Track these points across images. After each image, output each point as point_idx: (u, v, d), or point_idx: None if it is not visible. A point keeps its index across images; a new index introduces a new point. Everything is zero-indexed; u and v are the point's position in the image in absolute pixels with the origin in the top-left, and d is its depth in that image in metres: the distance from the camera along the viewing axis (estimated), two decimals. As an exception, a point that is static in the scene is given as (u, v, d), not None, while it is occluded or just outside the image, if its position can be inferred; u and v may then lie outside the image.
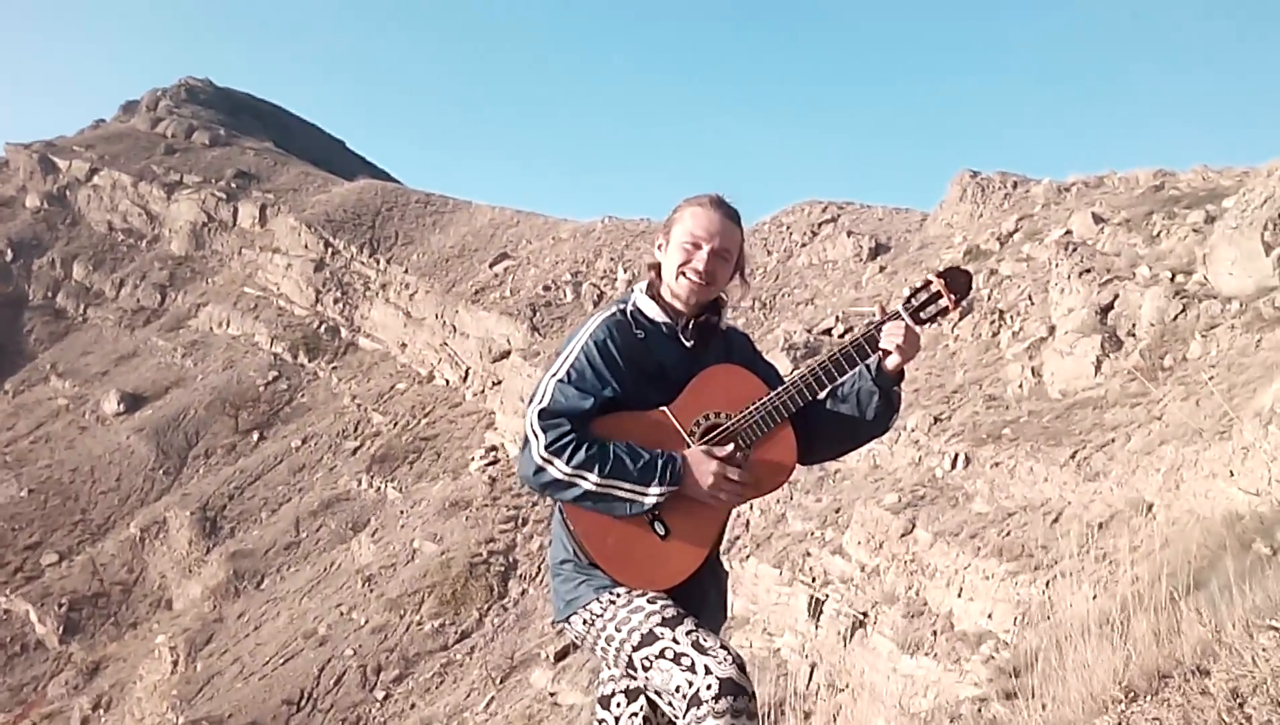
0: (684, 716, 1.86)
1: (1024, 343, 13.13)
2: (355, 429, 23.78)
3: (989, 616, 8.91)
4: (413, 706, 14.79)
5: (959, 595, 9.45)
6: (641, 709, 2.11)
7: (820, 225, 21.57)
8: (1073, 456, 10.00)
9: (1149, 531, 7.34)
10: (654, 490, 1.98)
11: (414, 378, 25.12)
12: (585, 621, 2.05)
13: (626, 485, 1.98)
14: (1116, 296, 11.69)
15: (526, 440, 2.03)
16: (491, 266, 26.14)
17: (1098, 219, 13.89)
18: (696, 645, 1.91)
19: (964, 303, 2.24)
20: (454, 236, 28.54)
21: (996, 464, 10.67)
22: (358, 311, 27.89)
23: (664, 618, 1.96)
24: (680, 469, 2.01)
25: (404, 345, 26.24)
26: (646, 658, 1.93)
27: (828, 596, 10.50)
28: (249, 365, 27.08)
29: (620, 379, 2.07)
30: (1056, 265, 13.34)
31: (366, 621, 16.75)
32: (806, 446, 2.20)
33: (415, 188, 33.89)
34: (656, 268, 2.21)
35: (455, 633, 15.78)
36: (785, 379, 2.18)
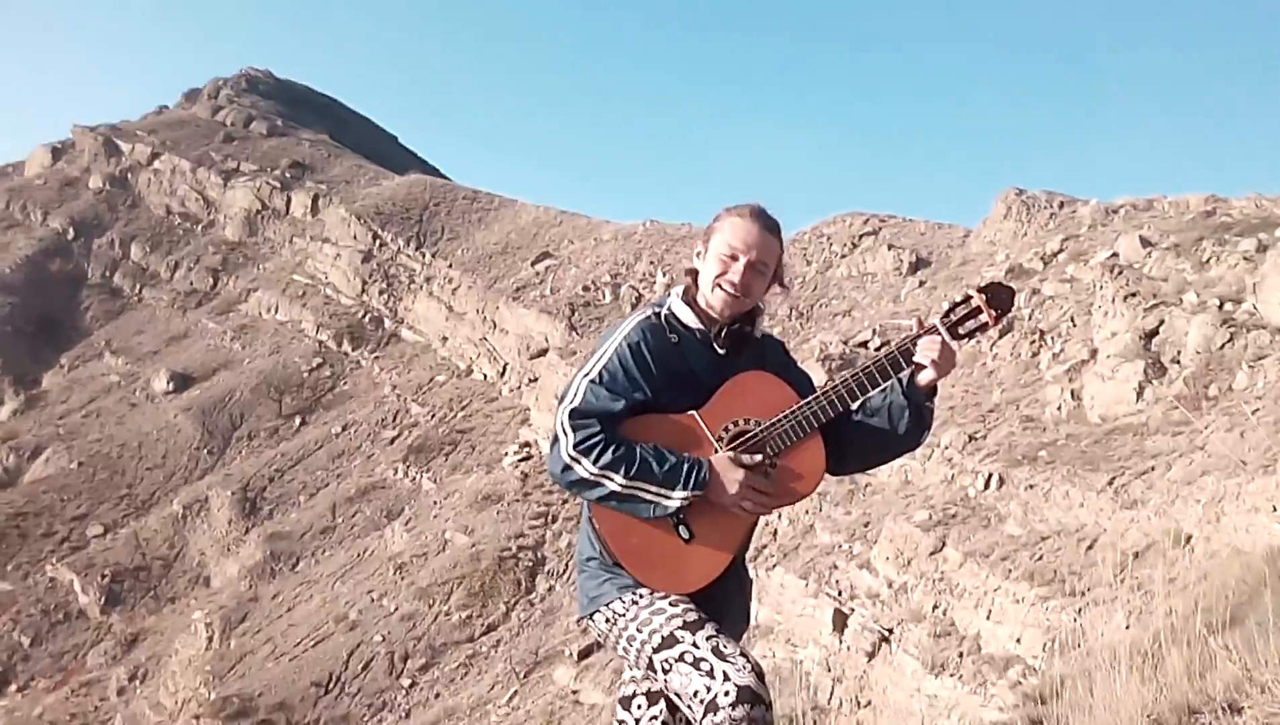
0: (700, 721, 1.86)
1: (1064, 365, 12.94)
2: (394, 419, 24.19)
3: (1017, 641, 8.81)
4: (437, 696, 15.01)
5: (987, 617, 9.35)
6: (661, 712, 2.12)
7: (861, 237, 21.45)
8: (1110, 483, 9.84)
9: (1186, 563, 7.22)
10: (678, 494, 1.99)
11: (453, 371, 25.47)
12: (608, 620, 2.07)
13: (652, 488, 1.99)
14: (1162, 322, 11.48)
15: (556, 438, 2.05)
16: (533, 265, 26.42)
17: (1145, 242, 13.63)
18: (716, 651, 1.91)
19: (1005, 320, 2.21)
20: (498, 234, 28.88)
21: (1031, 486, 10.54)
22: (401, 303, 28.37)
23: (685, 621, 1.97)
24: (706, 475, 2.01)
25: (445, 338, 26.63)
26: (666, 660, 1.94)
27: (853, 611, 10.45)
28: (294, 351, 27.67)
29: (651, 382, 2.09)
30: (1101, 287, 13.12)
31: (396, 609, 17.03)
32: (836, 458, 2.19)
33: (463, 184, 34.39)
34: (694, 275, 2.22)
35: (482, 625, 15.98)
36: (818, 389, 2.18)
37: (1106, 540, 9.13)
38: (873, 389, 2.15)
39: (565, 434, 2.02)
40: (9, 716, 18.88)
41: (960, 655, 8.98)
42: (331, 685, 16.06)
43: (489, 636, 15.77)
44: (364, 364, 26.90)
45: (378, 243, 29.96)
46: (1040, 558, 9.37)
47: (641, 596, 2.04)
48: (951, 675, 8.79)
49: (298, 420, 25.43)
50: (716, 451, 2.08)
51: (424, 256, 28.87)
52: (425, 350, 26.75)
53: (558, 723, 12.66)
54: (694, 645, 1.93)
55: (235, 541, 22.04)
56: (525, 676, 14.21)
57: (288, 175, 34.78)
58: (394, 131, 49.57)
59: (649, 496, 1.99)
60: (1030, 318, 14.52)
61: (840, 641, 10.34)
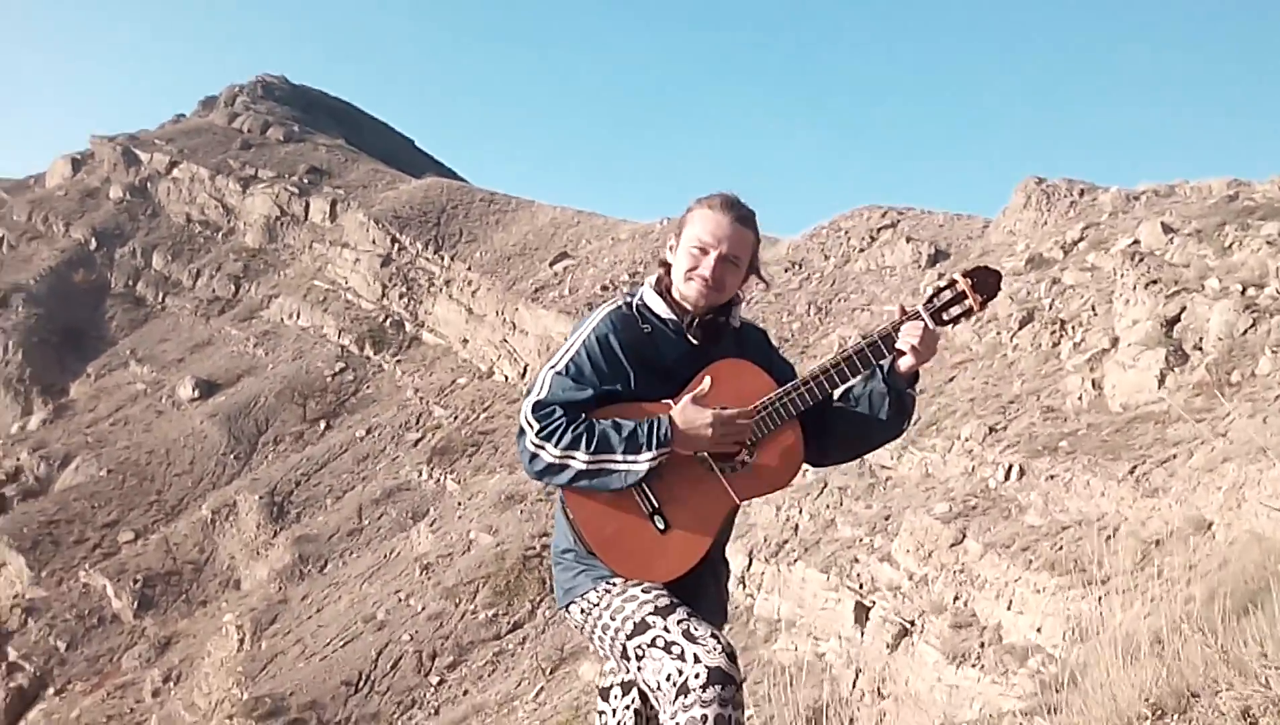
0: (673, 703, 1.86)
1: (1085, 354, 12.91)
2: (417, 421, 24.43)
3: (1038, 630, 8.85)
4: (465, 693, 15.21)
5: (1008, 608, 9.39)
6: (634, 701, 2.13)
7: (879, 230, 21.43)
8: (1132, 471, 9.83)
9: (1207, 550, 7.24)
10: (645, 457, 1.95)
11: (474, 373, 25.68)
12: (583, 610, 2.06)
13: (617, 457, 1.96)
14: (1184, 309, 11.43)
15: (522, 431, 2.03)
16: (551, 265, 26.58)
17: (1167, 229, 13.57)
18: (687, 634, 1.90)
19: (990, 304, 2.13)
20: (515, 235, 29.06)
21: (1052, 477, 10.55)
22: (422, 306, 28.61)
23: (656, 607, 1.96)
24: (668, 430, 1.97)
25: (465, 341, 26.84)
26: (639, 646, 1.94)
27: (874, 603, 10.52)
28: (317, 356, 27.98)
29: (621, 374, 2.06)
30: (1122, 275, 13.07)
31: (423, 608, 17.25)
32: (820, 448, 2.17)
33: (480, 186, 34.59)
34: (667, 267, 2.17)
35: (508, 623, 16.17)
36: (799, 377, 2.13)
37: (1128, 529, 9.14)
38: (853, 376, 2.11)
39: (530, 426, 2.01)
40: (48, 719, 19.30)
41: (981, 645, 9.04)
42: (361, 684, 16.30)
43: (515, 634, 15.95)
44: (386, 367, 27.17)
45: (396, 247, 30.21)
46: (1061, 548, 9.40)
47: (614, 585, 2.02)
48: (973, 665, 8.86)
49: (322, 424, 25.73)
50: None
51: (443, 259, 29.09)
52: (446, 353, 26.98)
53: (583, 718, 12.81)
54: (665, 630, 1.92)
55: (264, 545, 22.36)
56: (551, 673, 14.37)
57: (305, 181, 35.11)
58: (410, 135, 49.83)
59: (617, 466, 1.96)
60: (1051, 307, 14.48)
61: (862, 634, 10.41)
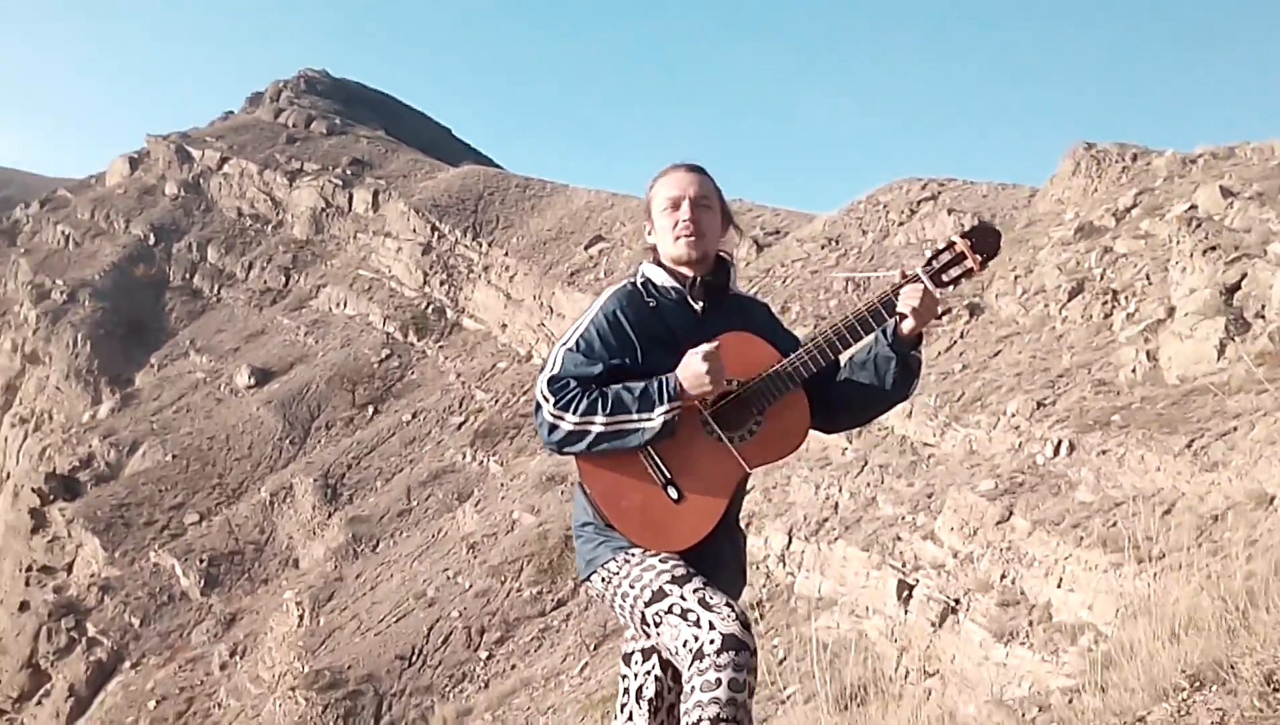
0: (688, 669, 1.93)
1: (1139, 325, 12.54)
2: (460, 405, 24.88)
3: (1089, 608, 8.71)
4: (513, 667, 15.58)
5: (1058, 585, 9.23)
6: (654, 667, 2.20)
7: (919, 203, 21.04)
8: (1189, 445, 9.54)
9: (1269, 524, 7.06)
10: (659, 412, 2.02)
11: (514, 357, 26.02)
12: (604, 580, 2.13)
13: (632, 416, 2.03)
14: (1244, 276, 11.01)
15: (539, 406, 2.11)
16: (586, 249, 26.71)
17: (1226, 192, 13.07)
18: (703, 602, 1.97)
19: (990, 264, 2.13)
20: (551, 220, 29.24)
21: (1104, 452, 10.31)
22: (462, 293, 29.02)
23: (673, 576, 2.03)
24: (676, 386, 2.04)
25: (504, 325, 27.19)
26: (657, 614, 2.00)
27: (918, 582, 10.46)
28: (364, 343, 28.63)
29: (630, 348, 2.13)
30: (1178, 242, 12.63)
31: (471, 586, 17.67)
32: (828, 414, 2.21)
33: (516, 172, 34.83)
34: (653, 249, 2.28)
35: (552, 600, 16.48)
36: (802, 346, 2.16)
37: (1184, 504, 8.91)
38: (854, 342, 2.15)
39: (545, 400, 2.09)
40: (125, 691, 20.28)
41: (1030, 624, 8.93)
42: (414, 658, 16.79)
43: (559, 611, 16.24)
44: (429, 353, 27.67)
45: (436, 235, 30.65)
46: (1114, 524, 9.21)
47: (634, 555, 2.09)
48: (1021, 644, 8.76)
49: (371, 409, 26.36)
50: (701, 412, 2.09)
51: (481, 246, 29.43)
52: (486, 338, 27.37)
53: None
54: (681, 598, 1.99)
55: (319, 525, 23.07)
56: (595, 648, 14.62)
57: (349, 173, 35.76)
58: (447, 124, 50.33)
59: (633, 425, 2.03)
60: (1102, 277, 14.07)
61: (905, 612, 10.36)
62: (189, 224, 36.25)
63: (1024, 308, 15.00)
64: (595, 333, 2.15)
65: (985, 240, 2.13)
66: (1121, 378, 11.75)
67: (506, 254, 28.38)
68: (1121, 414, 10.68)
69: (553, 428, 2.08)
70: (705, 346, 2.06)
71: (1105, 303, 13.82)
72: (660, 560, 2.07)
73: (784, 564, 12.79)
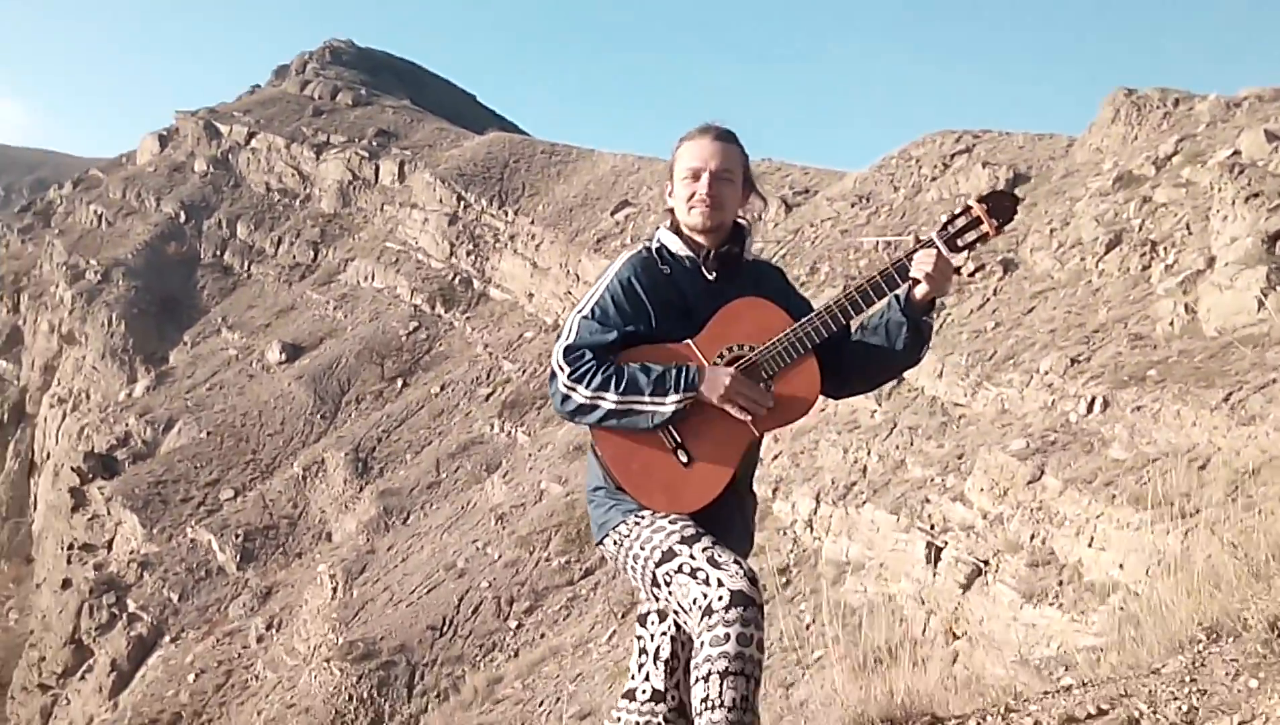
0: (698, 625, 1.97)
1: (1178, 276, 12.01)
2: (487, 377, 24.84)
3: (1120, 567, 8.42)
4: (542, 636, 15.60)
5: (1089, 545, 8.96)
6: (670, 628, 2.24)
7: (952, 156, 20.34)
8: (1226, 399, 9.15)
9: (1306, 479, 6.70)
10: (671, 399, 2.06)
11: (540, 326, 25.87)
12: (615, 542, 2.17)
13: (645, 398, 2.07)
14: (1288, 222, 10.47)
15: (554, 374, 2.16)
16: (613, 214, 26.34)
17: (1271, 136, 12.38)
18: (711, 560, 2.01)
19: (1005, 228, 2.13)
20: (577, 186, 28.88)
21: (1139, 407, 9.91)
22: (488, 263, 28.87)
23: (683, 536, 2.06)
24: (695, 377, 2.08)
25: (531, 295, 27.02)
26: (667, 573, 2.04)
27: (946, 543, 10.20)
28: (392, 316, 28.67)
29: (644, 315, 2.15)
30: (1220, 190, 12.05)
31: (500, 556, 17.70)
32: (839, 380, 2.23)
33: (541, 138, 34.44)
34: (671, 212, 2.28)
35: (580, 569, 16.44)
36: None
37: (1221, 459, 8.54)
38: (867, 306, 2.15)
39: (561, 369, 2.13)
40: (166, 665, 20.75)
41: (1060, 584, 8.67)
42: (445, 628, 16.90)
43: (587, 580, 16.20)
44: (457, 325, 27.64)
45: (462, 205, 30.46)
46: (1147, 481, 8.85)
47: (644, 517, 2.13)
48: (1051, 604, 8.51)
49: (399, 382, 26.45)
50: None
51: (506, 215, 29.20)
52: (513, 308, 27.23)
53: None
54: (691, 557, 2.02)
55: (351, 499, 23.28)
56: (623, 617, 14.56)
57: (375, 144, 35.66)
58: (472, 90, 50.01)
59: (644, 407, 2.07)
60: (1140, 228, 13.49)
61: (933, 574, 10.13)
62: (218, 200, 36.50)
63: (1059, 262, 14.48)
64: (610, 300, 2.17)
65: (1001, 205, 2.13)
66: (1159, 331, 11.30)
67: (533, 222, 28.12)
68: (1158, 368, 10.30)
69: (565, 398, 2.13)
70: (745, 379, 2.10)
71: (1143, 254, 13.27)
72: (670, 522, 2.11)
73: (811, 528, 12.57)
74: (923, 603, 10.18)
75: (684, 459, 2.11)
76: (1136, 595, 7.44)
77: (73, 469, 27.65)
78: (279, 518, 24.04)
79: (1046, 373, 11.62)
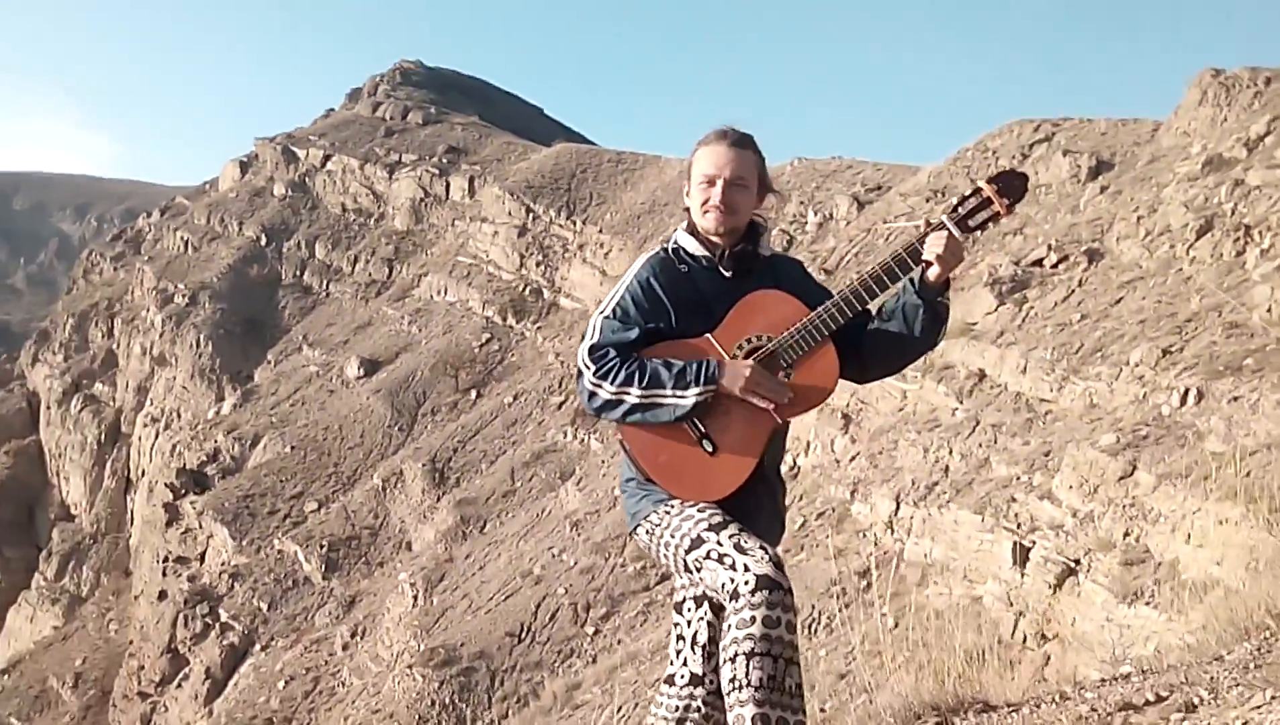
0: (728, 609, 2.05)
1: (1275, 261, 11.35)
2: (559, 385, 25.02)
3: (1219, 563, 7.95)
4: (619, 642, 15.55)
5: (1186, 541, 8.49)
6: (707, 613, 2.27)
7: (1031, 146, 19.66)
8: (1331, 387, 8.59)
9: None
10: (692, 392, 2.13)
11: (611, 333, 25.93)
12: (648, 531, 2.26)
13: (667, 392, 2.14)
14: (1399, 198, 9.77)
15: (580, 372, 2.25)
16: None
17: (1377, 108, 11.61)
18: (738, 547, 2.08)
19: (1015, 208, 2.16)
20: (644, 192, 28.96)
21: (1236, 398, 9.37)
22: (558, 272, 29.17)
23: (711, 523, 2.13)
24: (715, 370, 2.15)
25: (599, 302, 27.12)
26: (696, 560, 2.12)
27: (1034, 543, 9.79)
28: (465, 329, 29.20)
29: (664, 313, 2.24)
30: (1320, 168, 11.35)
31: (575, 563, 17.75)
32: (859, 366, 2.28)
33: (608, 147, 34.68)
34: (689, 211, 2.36)
35: (656, 575, 16.35)
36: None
37: (1327, 450, 7.99)
38: (881, 291, 2.19)
39: (586, 367, 2.23)
40: (256, 673, 21.44)
41: (1156, 583, 8.22)
42: (524, 635, 17.02)
43: (663, 585, 16.09)
44: (528, 335, 27.97)
45: (531, 216, 30.87)
46: (1247, 474, 8.34)
47: (674, 507, 2.20)
48: (1146, 603, 8.08)
49: (474, 394, 26.89)
50: None
51: (575, 225, 29.47)
52: (583, 317, 27.40)
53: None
54: (718, 543, 2.09)
55: (429, 509, 23.72)
56: (702, 623, 14.45)
57: (444, 161, 36.49)
58: (539, 103, 50.79)
59: (666, 400, 2.14)
60: (1233, 213, 12.79)
61: (1021, 575, 9.73)
62: (297, 222, 37.83)
63: (1148, 250, 13.83)
64: (630, 300, 2.26)
65: (1012, 185, 2.16)
66: (1255, 319, 10.68)
67: (600, 230, 28.31)
68: (1255, 357, 9.75)
69: (592, 394, 2.21)
70: (764, 370, 2.16)
71: (1237, 240, 12.61)
72: (698, 510, 2.17)
73: (892, 530, 12.24)
74: (1010, 604, 9.79)
75: (709, 449, 2.17)
76: (1236, 592, 7.03)
77: (166, 485, 28.92)
78: (361, 528, 24.65)
79: (1137, 365, 11.09)
